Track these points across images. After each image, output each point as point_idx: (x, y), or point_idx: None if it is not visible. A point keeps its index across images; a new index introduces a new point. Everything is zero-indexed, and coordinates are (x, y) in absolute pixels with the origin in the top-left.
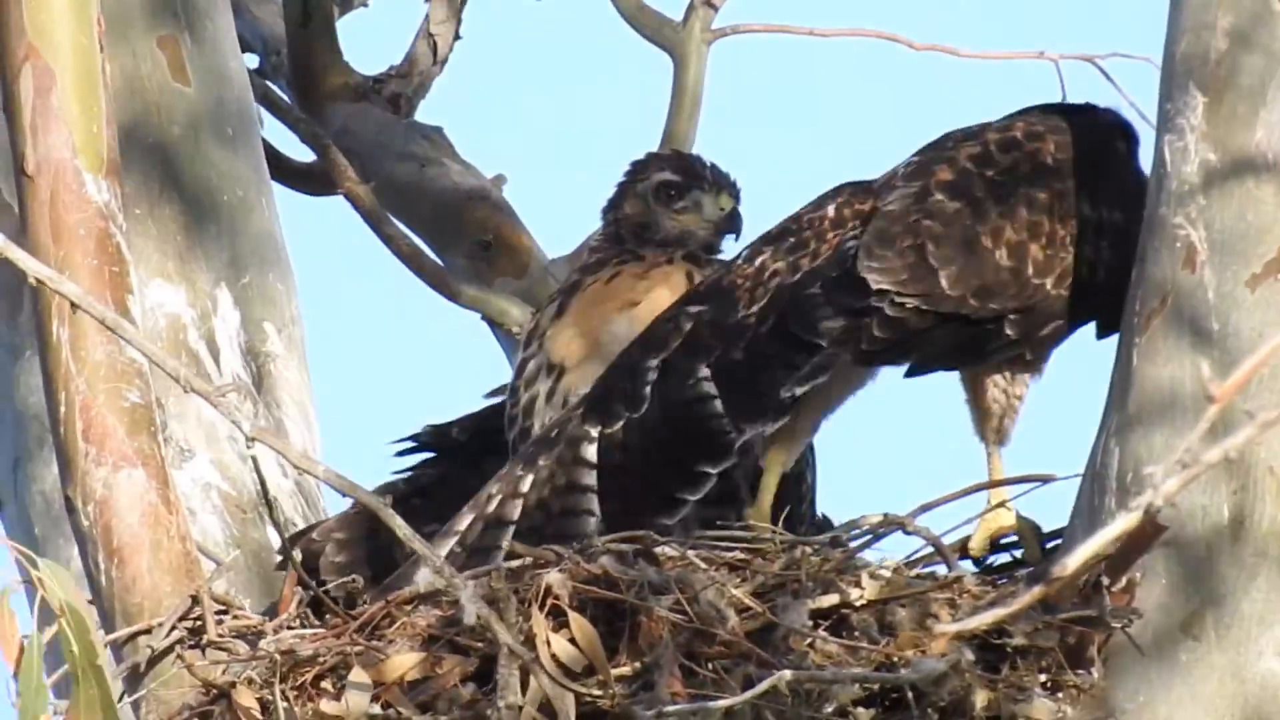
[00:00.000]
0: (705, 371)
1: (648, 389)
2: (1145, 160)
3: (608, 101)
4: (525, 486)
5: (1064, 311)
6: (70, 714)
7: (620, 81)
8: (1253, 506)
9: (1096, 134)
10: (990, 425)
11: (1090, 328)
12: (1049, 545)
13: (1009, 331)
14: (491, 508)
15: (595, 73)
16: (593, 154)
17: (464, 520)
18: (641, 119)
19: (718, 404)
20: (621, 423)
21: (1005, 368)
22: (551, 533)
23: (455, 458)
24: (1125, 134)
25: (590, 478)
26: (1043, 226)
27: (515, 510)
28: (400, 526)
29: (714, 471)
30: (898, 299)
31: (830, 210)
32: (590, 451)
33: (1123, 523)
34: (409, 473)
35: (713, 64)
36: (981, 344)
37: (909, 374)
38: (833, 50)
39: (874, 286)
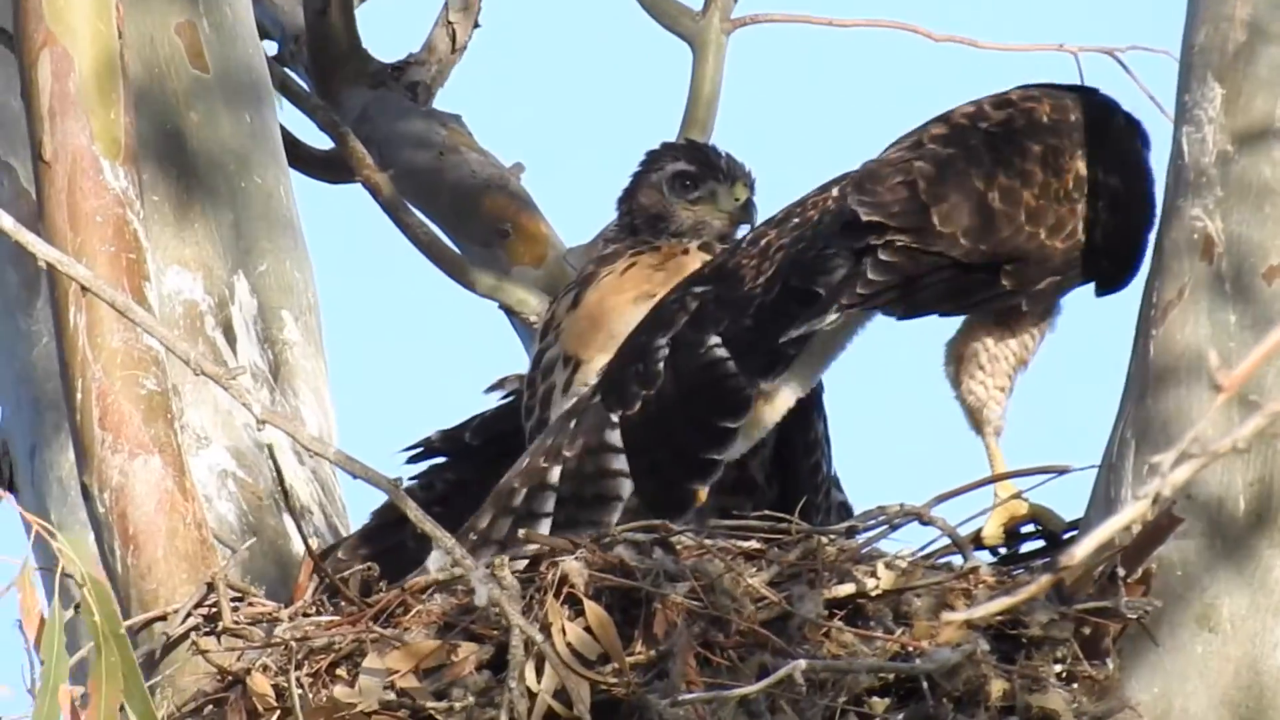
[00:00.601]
0: (715, 339)
1: (660, 366)
2: (1158, 153)
3: (626, 90)
4: (554, 478)
5: (1059, 266)
6: (92, 682)
7: (639, 71)
8: (1270, 498)
9: (1095, 106)
10: (975, 419)
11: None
12: (1066, 536)
13: (1005, 282)
14: (517, 501)
15: (614, 62)
16: (611, 143)
17: (484, 518)
18: (660, 108)
19: (731, 365)
20: (639, 403)
21: (986, 361)
22: (585, 520)
23: (469, 463)
24: (1125, 113)
25: (619, 462)
26: (1035, 176)
27: (548, 503)
28: (412, 508)
29: (735, 426)
30: (890, 238)
31: (835, 191)
32: (615, 436)
33: (1129, 511)
34: (418, 479)
35: (731, 54)
36: (977, 291)
37: (903, 317)
38: (852, 41)
39: (864, 219)
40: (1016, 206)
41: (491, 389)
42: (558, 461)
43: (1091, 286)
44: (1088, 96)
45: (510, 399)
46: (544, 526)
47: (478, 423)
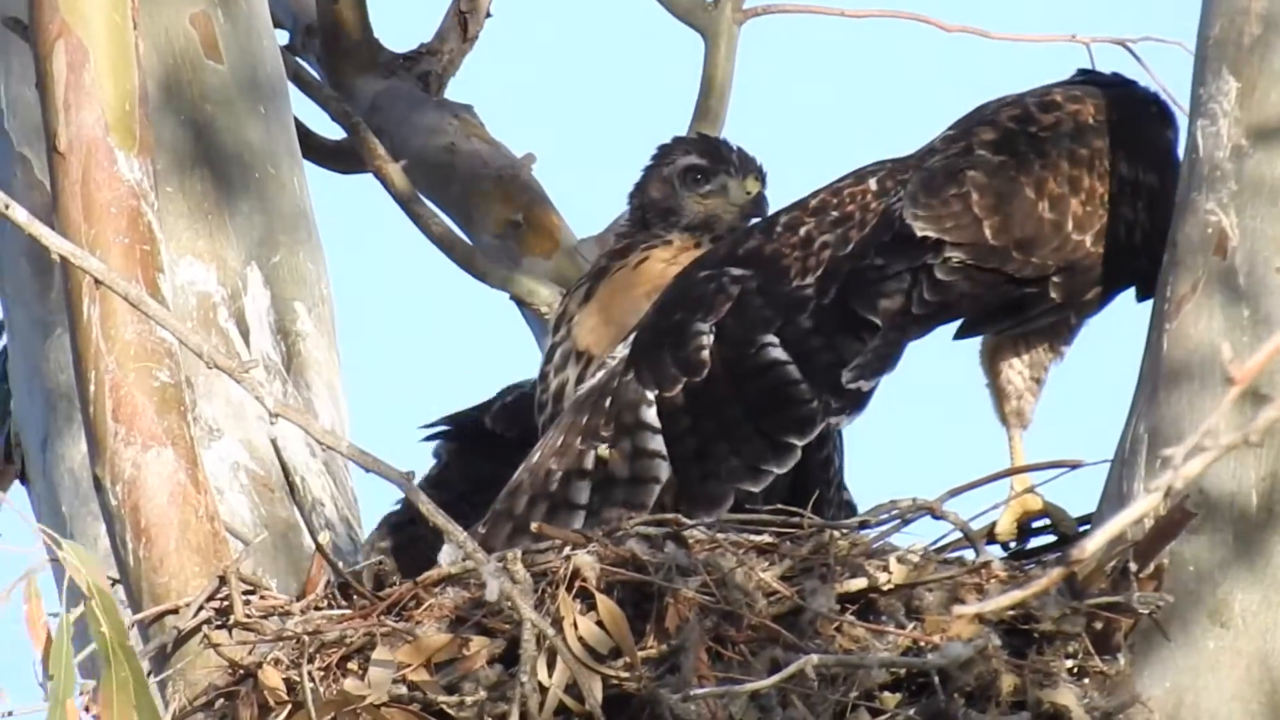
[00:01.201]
0: (772, 339)
1: (704, 353)
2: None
3: (638, 81)
4: (590, 463)
5: (1104, 273)
6: (102, 695)
7: (651, 61)
8: None
9: (1132, 101)
10: (1008, 407)
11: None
12: (1078, 531)
13: (1054, 295)
14: (554, 486)
15: (626, 52)
16: (623, 133)
17: (520, 500)
18: (672, 99)
19: (791, 369)
20: (680, 387)
21: (1023, 349)
22: (620, 502)
23: (482, 448)
24: (1158, 103)
25: (656, 442)
26: (1082, 182)
27: (584, 494)
28: (425, 502)
29: (800, 444)
30: (948, 255)
31: (872, 184)
32: (651, 415)
33: (1142, 504)
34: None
35: (744, 45)
36: (1029, 306)
37: (958, 336)
38: (863, 31)
39: (919, 234)
40: (1065, 216)
41: (506, 391)
42: (594, 443)
43: (1132, 294)
44: (1123, 90)
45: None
46: (578, 519)
47: (498, 408)
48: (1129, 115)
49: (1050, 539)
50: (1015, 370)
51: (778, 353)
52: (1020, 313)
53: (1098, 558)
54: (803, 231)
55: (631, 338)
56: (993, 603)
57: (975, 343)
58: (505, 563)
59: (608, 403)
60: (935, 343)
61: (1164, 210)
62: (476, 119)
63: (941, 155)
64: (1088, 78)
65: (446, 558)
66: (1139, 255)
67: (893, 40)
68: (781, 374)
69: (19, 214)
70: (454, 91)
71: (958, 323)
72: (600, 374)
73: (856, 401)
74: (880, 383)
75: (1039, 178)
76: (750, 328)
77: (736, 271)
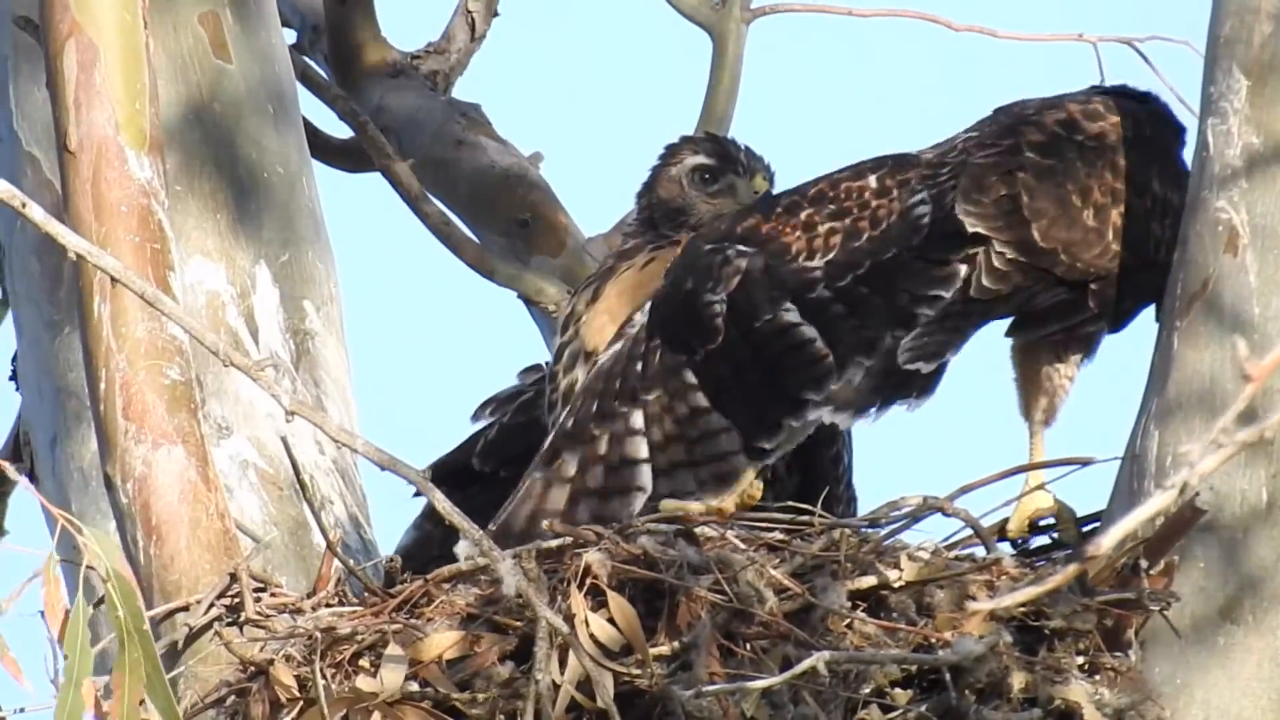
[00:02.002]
0: (788, 305)
1: (718, 320)
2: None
3: (646, 79)
4: (639, 421)
5: (1136, 285)
6: (115, 678)
7: (659, 60)
8: None
9: (1156, 118)
10: (1039, 405)
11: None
12: (1087, 528)
13: (1090, 304)
14: (603, 449)
15: (633, 51)
16: (630, 132)
17: (570, 464)
18: (680, 97)
19: (806, 329)
20: (699, 355)
21: (1059, 348)
22: (703, 456)
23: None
24: (1172, 119)
25: (704, 400)
26: (1122, 194)
27: (641, 448)
28: (439, 500)
29: (819, 399)
30: (999, 250)
31: (871, 181)
32: (691, 375)
33: (1157, 501)
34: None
35: (751, 43)
36: (1069, 313)
37: (1009, 334)
38: (871, 30)
39: (970, 230)
40: (1106, 224)
41: (526, 371)
42: (637, 404)
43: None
44: (1149, 105)
45: (494, 422)
46: (643, 473)
47: (484, 447)
48: (1157, 130)
49: (1058, 535)
50: (1052, 367)
51: (792, 316)
52: (1062, 319)
53: (1109, 554)
54: (803, 215)
55: (648, 305)
56: (1007, 599)
57: (995, 338)
58: (519, 560)
59: (638, 365)
60: None
61: (1181, 225)
62: (484, 118)
63: (990, 153)
64: (1108, 91)
65: (464, 550)
66: (1162, 270)
67: (900, 39)
68: (796, 334)
69: (35, 212)
70: (461, 90)
71: (1005, 322)
72: (620, 343)
73: (925, 386)
74: (948, 366)
75: (1084, 185)
76: (754, 304)
77: (741, 247)
